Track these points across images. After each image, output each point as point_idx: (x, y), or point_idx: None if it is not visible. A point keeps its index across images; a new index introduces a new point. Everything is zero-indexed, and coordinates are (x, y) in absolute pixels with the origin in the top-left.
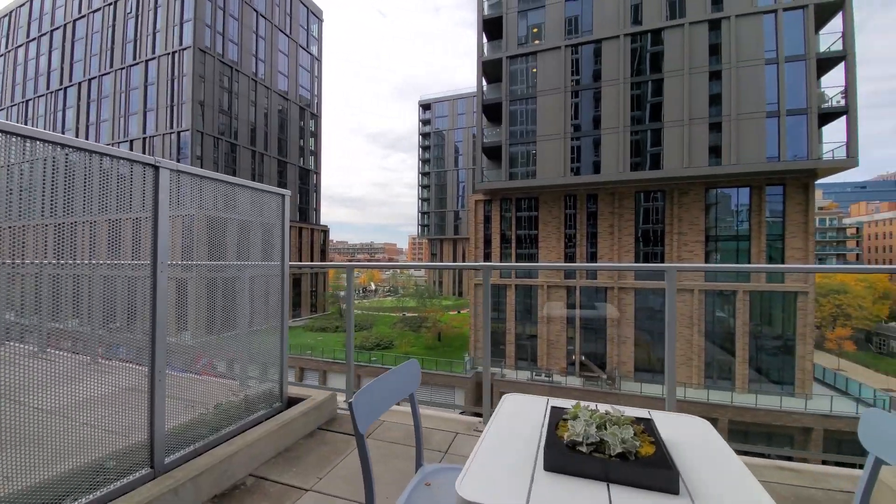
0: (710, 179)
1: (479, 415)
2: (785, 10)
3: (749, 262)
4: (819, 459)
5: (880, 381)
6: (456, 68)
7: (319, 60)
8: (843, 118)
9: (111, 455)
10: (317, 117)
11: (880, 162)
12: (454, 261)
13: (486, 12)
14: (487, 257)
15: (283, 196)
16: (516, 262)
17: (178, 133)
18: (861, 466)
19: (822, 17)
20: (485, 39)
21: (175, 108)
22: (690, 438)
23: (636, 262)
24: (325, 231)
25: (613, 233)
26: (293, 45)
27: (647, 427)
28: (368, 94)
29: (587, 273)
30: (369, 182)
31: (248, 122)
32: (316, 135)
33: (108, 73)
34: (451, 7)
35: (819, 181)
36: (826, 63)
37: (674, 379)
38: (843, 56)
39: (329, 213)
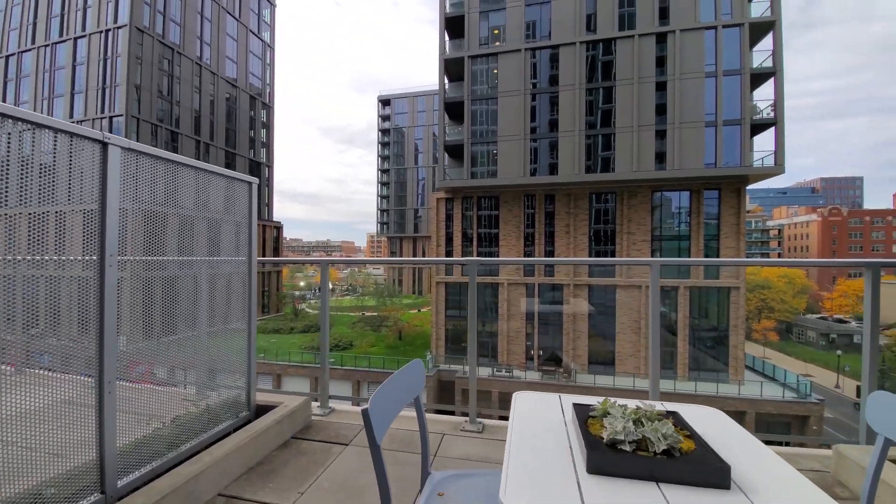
0: (655, 183)
1: (465, 414)
2: (724, 26)
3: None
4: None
5: (800, 367)
6: (414, 64)
7: (272, 48)
8: (772, 129)
9: (51, 481)
10: (269, 108)
11: (799, 170)
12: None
13: (447, 10)
14: (449, 255)
15: (250, 184)
16: None
17: (111, 118)
18: (788, 444)
19: (756, 36)
20: (447, 37)
21: (107, 91)
22: (713, 429)
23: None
24: (279, 227)
25: (569, 232)
26: (243, 30)
27: (678, 421)
28: (323, 86)
29: (545, 271)
30: (324, 178)
31: (192, 110)
32: (268, 126)
33: (30, 49)
34: (410, 2)
35: (748, 186)
36: (758, 78)
37: (658, 371)
38: (774, 72)
39: (281, 209)
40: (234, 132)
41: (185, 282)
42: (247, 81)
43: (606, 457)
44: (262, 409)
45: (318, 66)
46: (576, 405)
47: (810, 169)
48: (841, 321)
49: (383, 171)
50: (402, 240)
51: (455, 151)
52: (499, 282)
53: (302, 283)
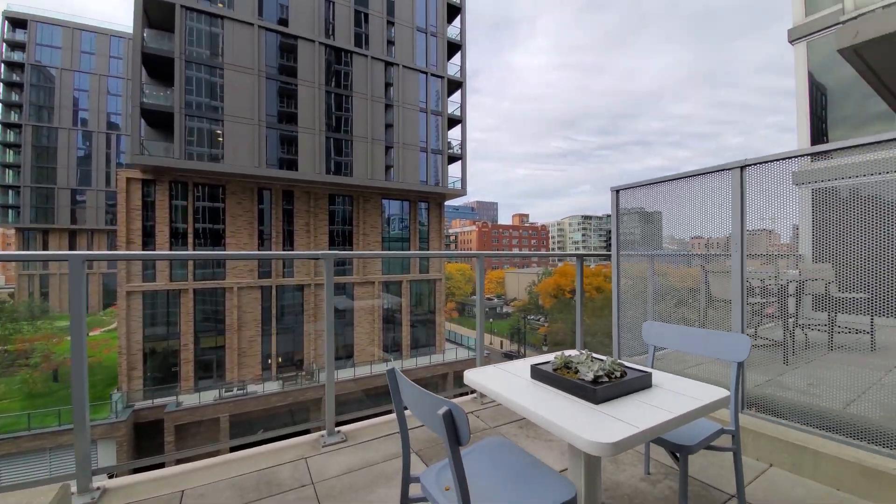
0: (385, 191)
1: (319, 428)
2: (432, 75)
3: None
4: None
5: (471, 333)
6: None
7: None
8: (459, 162)
9: None
10: None
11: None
12: None
13: None
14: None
15: None
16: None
17: None
18: None
19: (452, 89)
20: None
21: None
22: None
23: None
24: None
25: (310, 231)
26: None
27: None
28: None
29: (283, 271)
30: None
31: None
32: None
33: None
34: None
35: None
36: (452, 122)
37: (482, 344)
38: (461, 120)
39: None
40: None
41: None
42: None
43: (605, 389)
44: None
45: None
46: (534, 366)
47: (472, 193)
48: (490, 299)
49: (10, 127)
50: (47, 233)
51: (158, 120)
52: (226, 286)
53: None
